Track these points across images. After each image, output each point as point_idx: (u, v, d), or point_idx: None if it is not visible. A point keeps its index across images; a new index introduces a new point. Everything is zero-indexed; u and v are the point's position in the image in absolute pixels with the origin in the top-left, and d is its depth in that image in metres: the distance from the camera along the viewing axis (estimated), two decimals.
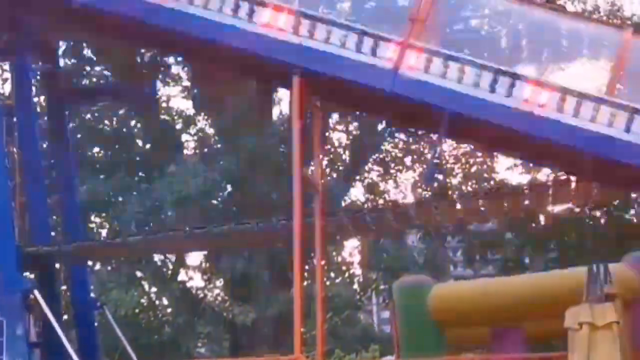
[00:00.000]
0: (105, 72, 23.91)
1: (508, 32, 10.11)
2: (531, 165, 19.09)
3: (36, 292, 11.56)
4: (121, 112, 25.14)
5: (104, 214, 24.63)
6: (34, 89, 14.43)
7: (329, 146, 25.19)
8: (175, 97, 27.04)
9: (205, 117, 26.55)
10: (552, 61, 9.81)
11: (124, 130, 25.64)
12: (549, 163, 11.72)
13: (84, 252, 13.02)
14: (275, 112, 25.02)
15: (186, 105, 27.08)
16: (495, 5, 10.13)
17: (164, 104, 26.50)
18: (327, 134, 24.38)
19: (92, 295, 14.66)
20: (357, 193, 27.89)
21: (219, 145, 24.48)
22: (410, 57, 9.70)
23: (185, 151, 26.28)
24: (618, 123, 9.26)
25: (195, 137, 26.73)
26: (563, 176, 11.11)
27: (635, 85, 9.56)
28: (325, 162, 24.02)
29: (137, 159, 25.66)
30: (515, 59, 9.88)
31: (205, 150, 25.72)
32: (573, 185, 10.58)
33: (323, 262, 10.36)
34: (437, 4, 9.94)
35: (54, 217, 15.91)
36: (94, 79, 23.60)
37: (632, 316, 9.79)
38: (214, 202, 22.75)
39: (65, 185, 13.68)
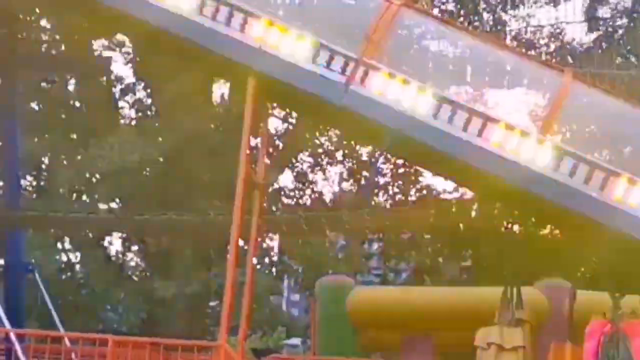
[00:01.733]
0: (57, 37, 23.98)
1: (455, 60, 10.62)
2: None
3: None
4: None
5: (34, 174, 24.72)
6: None
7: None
8: (116, 62, 27.13)
9: (145, 88, 26.73)
10: (492, 95, 10.35)
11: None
12: (477, 190, 12.31)
13: (22, 222, 13.27)
14: (217, 94, 25.37)
15: (126, 72, 27.21)
16: (446, 34, 10.64)
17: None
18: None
19: (24, 260, 14.90)
20: (286, 180, 28.40)
21: (157, 124, 24.68)
22: (362, 73, 10.16)
23: (121, 120, 26.44)
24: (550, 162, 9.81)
25: (135, 107, 26.89)
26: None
27: (568, 126, 10.18)
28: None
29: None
30: (459, 88, 10.39)
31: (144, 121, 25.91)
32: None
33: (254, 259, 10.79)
34: (393, 25, 10.42)
35: None
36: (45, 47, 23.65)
37: (539, 341, 10.40)
38: (147, 174, 23.01)
39: (7, 151, 13.82)
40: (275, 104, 11.56)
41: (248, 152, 10.52)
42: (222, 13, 10.47)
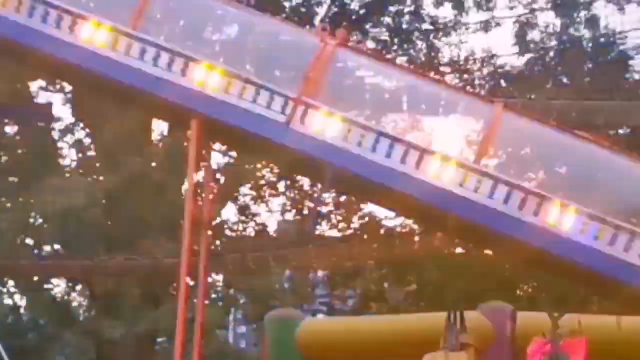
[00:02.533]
0: None
1: (394, 96, 11.02)
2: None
3: None
4: None
5: None
6: None
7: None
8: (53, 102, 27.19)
9: (84, 128, 26.85)
10: (427, 128, 10.77)
11: None
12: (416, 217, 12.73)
13: None
14: (157, 131, 25.57)
15: (64, 112, 27.33)
16: (382, 70, 11.05)
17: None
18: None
19: None
20: (228, 213, 28.66)
21: (97, 164, 24.80)
22: (301, 112, 10.51)
23: (61, 160, 26.51)
24: (483, 190, 10.22)
25: (74, 149, 26.99)
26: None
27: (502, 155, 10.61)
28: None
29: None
30: (395, 121, 10.79)
31: (84, 162, 26.02)
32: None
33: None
34: (331, 64, 10.81)
35: None
36: None
37: None
38: (91, 216, 23.09)
39: None
40: (217, 143, 11.83)
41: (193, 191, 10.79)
42: (163, 58, 10.76)
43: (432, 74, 30.11)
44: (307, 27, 26.68)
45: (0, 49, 11.66)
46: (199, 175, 11.64)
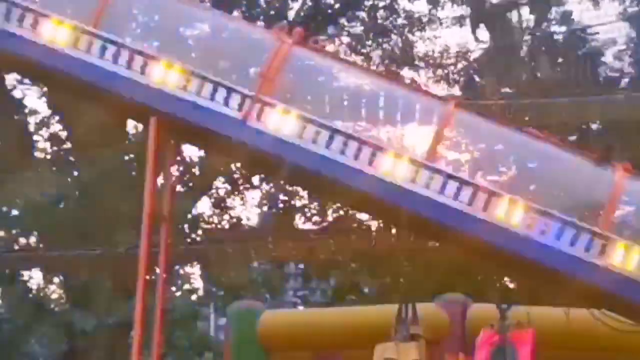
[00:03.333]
0: None
1: (348, 94, 11.28)
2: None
3: None
4: None
5: None
6: None
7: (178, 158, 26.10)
8: (29, 95, 27.43)
9: (60, 121, 27.02)
10: (383, 125, 11.02)
11: None
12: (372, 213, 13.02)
13: None
14: (131, 126, 25.78)
15: (39, 105, 27.51)
16: (343, 72, 11.31)
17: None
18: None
19: None
20: (203, 207, 28.90)
21: (71, 158, 25.00)
22: (258, 109, 10.77)
23: (36, 153, 26.69)
24: (434, 185, 10.49)
25: (50, 141, 27.17)
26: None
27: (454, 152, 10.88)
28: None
29: None
30: (351, 118, 11.04)
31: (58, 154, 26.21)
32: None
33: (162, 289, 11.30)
34: (288, 63, 11.06)
35: None
36: None
37: (435, 354, 11.06)
38: (64, 209, 23.35)
39: None
40: (177, 140, 12.09)
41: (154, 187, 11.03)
42: (123, 56, 10.99)
43: (403, 70, 30.54)
44: (281, 21, 27.00)
45: None
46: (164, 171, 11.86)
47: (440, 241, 12.16)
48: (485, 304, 12.67)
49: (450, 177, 10.43)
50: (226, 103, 10.85)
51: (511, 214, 10.30)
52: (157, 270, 11.49)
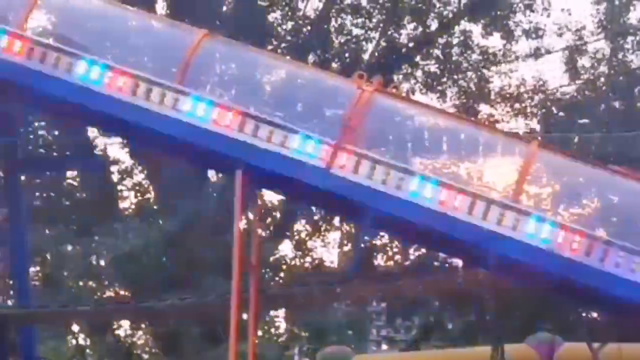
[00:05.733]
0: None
1: (431, 139, 11.36)
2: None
3: None
4: None
5: (39, 261, 25.36)
6: None
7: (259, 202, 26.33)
8: (111, 145, 27.93)
9: (143, 171, 27.46)
10: (466, 167, 11.07)
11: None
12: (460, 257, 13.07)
13: (35, 317, 13.96)
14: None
15: (122, 156, 28.00)
16: (423, 116, 11.40)
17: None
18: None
19: (37, 353, 15.47)
20: (285, 249, 29.06)
21: (155, 207, 25.38)
22: (341, 158, 10.89)
23: (121, 203, 27.14)
24: (521, 227, 10.49)
25: (133, 191, 27.62)
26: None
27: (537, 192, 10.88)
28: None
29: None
30: (436, 165, 11.11)
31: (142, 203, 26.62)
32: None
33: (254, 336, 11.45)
34: (369, 110, 11.19)
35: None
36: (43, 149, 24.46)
37: None
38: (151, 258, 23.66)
39: (16, 249, 14.40)
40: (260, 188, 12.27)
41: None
42: (234, 120, 11.19)
43: (479, 105, 30.41)
44: (356, 64, 27.18)
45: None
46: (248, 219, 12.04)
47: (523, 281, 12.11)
48: (576, 343, 12.59)
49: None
50: (310, 153, 10.97)
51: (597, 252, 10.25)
52: (245, 316, 11.64)
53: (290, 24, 28.28)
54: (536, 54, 31.40)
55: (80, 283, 22.86)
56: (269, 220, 27.52)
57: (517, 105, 31.33)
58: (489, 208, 10.55)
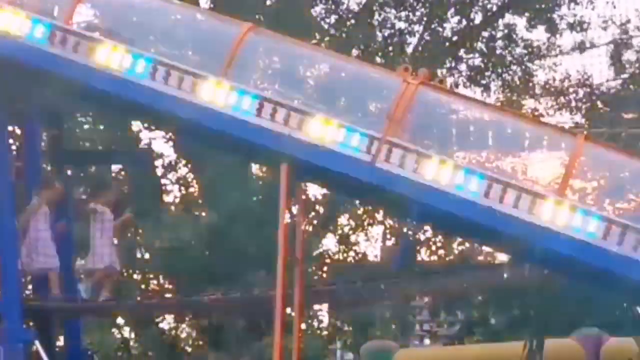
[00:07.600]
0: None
1: (476, 132, 11.31)
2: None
3: (37, 343, 12.56)
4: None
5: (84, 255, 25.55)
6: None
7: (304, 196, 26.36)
8: (155, 139, 28.08)
9: (187, 164, 27.59)
10: (511, 161, 11.01)
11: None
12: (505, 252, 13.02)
13: (82, 311, 14.12)
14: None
15: (166, 150, 28.15)
16: (469, 109, 11.36)
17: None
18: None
19: (83, 345, 15.60)
20: (329, 243, 29.08)
21: (200, 201, 25.48)
22: (386, 151, 10.87)
23: (165, 197, 27.30)
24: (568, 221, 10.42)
25: (177, 185, 27.76)
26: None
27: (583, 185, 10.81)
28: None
29: None
30: (480, 159, 11.06)
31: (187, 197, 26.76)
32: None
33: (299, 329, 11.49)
34: (414, 103, 11.16)
35: None
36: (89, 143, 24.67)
37: None
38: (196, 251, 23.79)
39: (63, 244, 14.49)
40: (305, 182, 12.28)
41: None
42: (279, 113, 11.21)
43: (523, 100, 30.21)
44: (401, 56, 27.12)
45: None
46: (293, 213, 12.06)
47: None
48: (622, 337, 12.51)
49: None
50: (354, 146, 10.96)
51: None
52: (289, 310, 11.67)
53: (333, 18, 28.22)
54: (580, 47, 31.11)
55: (125, 275, 23.02)
56: (312, 214, 27.54)
57: (561, 99, 31.10)
58: (535, 202, 10.45)
